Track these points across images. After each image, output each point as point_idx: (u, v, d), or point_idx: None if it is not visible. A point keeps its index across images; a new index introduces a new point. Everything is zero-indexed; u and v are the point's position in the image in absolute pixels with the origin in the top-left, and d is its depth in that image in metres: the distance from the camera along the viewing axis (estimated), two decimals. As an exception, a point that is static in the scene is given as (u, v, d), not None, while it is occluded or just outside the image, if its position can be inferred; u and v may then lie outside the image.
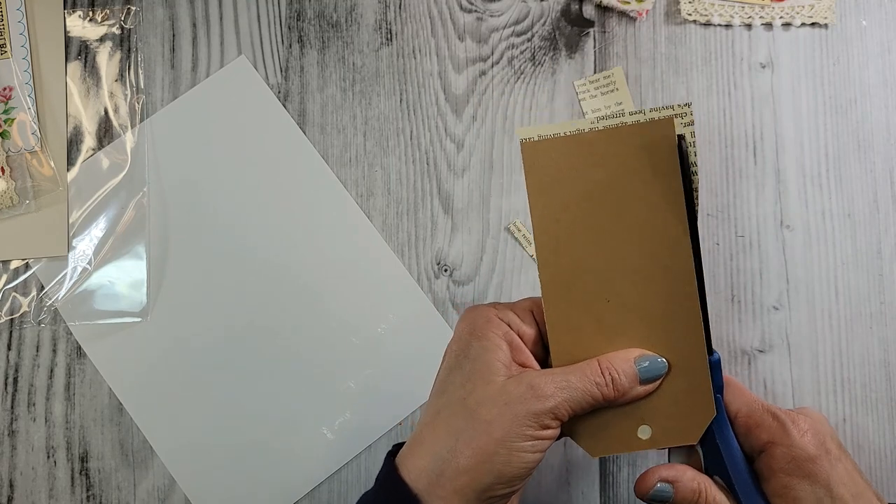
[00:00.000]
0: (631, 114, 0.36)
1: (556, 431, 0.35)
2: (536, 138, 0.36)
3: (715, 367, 0.37)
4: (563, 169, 0.36)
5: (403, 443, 0.38)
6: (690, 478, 0.37)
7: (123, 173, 0.51)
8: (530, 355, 0.37)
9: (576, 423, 0.37)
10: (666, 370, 0.36)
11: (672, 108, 0.36)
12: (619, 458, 0.49)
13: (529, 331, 0.37)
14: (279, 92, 0.52)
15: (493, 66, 0.52)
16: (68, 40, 0.52)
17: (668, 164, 0.36)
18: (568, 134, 0.36)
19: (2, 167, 0.50)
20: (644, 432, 0.37)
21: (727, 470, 0.37)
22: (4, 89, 0.51)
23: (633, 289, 0.36)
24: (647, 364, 0.36)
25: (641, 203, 0.36)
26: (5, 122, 0.51)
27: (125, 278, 0.50)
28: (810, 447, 0.36)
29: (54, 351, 0.50)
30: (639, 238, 0.36)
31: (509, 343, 0.36)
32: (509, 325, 0.37)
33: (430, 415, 0.37)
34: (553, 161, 0.36)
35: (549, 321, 0.37)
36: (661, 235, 0.36)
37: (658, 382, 0.36)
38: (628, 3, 0.52)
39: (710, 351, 0.37)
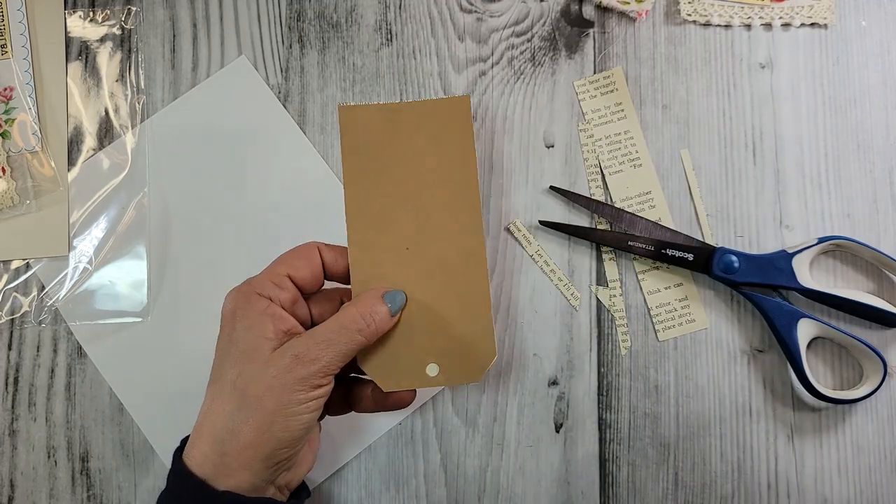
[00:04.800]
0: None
1: (330, 386, 0.38)
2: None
3: None
4: (374, 133, 0.43)
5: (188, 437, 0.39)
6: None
7: (124, 173, 0.51)
8: (294, 322, 0.39)
9: (368, 359, 0.41)
10: (405, 300, 0.41)
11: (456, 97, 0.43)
12: (618, 457, 0.49)
13: (288, 295, 0.40)
14: (279, 92, 0.52)
15: (492, 67, 0.52)
16: (69, 40, 0.52)
17: (462, 132, 0.43)
18: (381, 103, 0.43)
19: (2, 167, 0.50)
20: (432, 370, 0.41)
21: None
22: (5, 89, 0.51)
23: (430, 240, 0.42)
24: (392, 299, 0.40)
25: (440, 164, 0.42)
26: (6, 122, 0.51)
27: (126, 278, 0.50)
28: None
29: (55, 351, 0.50)
30: (436, 195, 0.42)
31: (272, 316, 0.38)
32: (270, 299, 0.39)
33: (207, 403, 0.39)
34: (365, 126, 0.43)
35: (353, 262, 0.41)
36: (456, 192, 0.42)
37: (400, 313, 0.41)
38: (628, 3, 0.52)
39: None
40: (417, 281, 0.41)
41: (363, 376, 0.43)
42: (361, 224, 0.42)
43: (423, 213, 0.42)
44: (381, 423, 0.50)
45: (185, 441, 0.40)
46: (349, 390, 0.43)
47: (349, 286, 0.42)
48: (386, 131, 0.43)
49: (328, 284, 0.43)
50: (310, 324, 0.41)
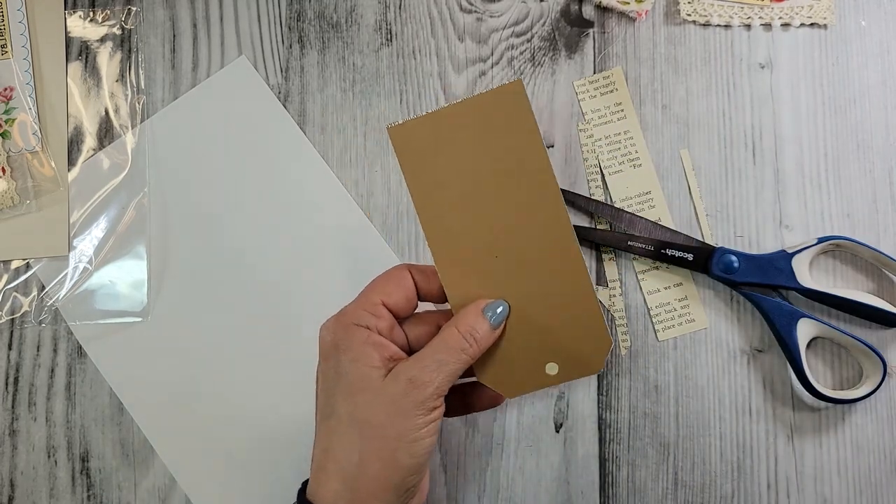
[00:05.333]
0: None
1: (443, 406, 0.38)
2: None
3: None
4: (430, 145, 0.39)
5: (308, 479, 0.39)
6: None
7: (124, 173, 0.51)
8: (396, 348, 0.39)
9: (485, 370, 0.39)
10: (507, 310, 0.39)
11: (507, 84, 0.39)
12: (618, 457, 0.49)
13: (385, 323, 0.39)
14: (279, 92, 0.52)
15: (492, 67, 0.52)
16: (69, 41, 0.52)
17: (523, 121, 0.38)
18: (428, 112, 0.39)
19: (3, 167, 0.50)
20: (552, 369, 0.39)
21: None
22: (5, 90, 0.51)
23: (517, 242, 0.39)
24: (493, 311, 0.39)
25: (507, 159, 0.38)
26: (6, 122, 0.51)
27: (126, 278, 0.50)
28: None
29: (55, 351, 0.50)
30: (512, 194, 0.39)
31: (374, 345, 0.38)
32: (367, 328, 0.38)
33: (324, 440, 0.38)
34: (419, 140, 0.39)
35: (445, 282, 0.39)
36: (531, 185, 0.38)
37: (504, 323, 0.39)
38: (628, 3, 0.52)
39: None
40: (515, 285, 0.39)
41: (471, 378, 0.41)
42: (443, 242, 0.39)
43: (503, 215, 0.39)
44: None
45: (305, 483, 0.39)
46: (462, 395, 0.43)
47: (443, 306, 0.41)
48: (441, 140, 0.39)
49: (423, 306, 0.42)
50: (408, 348, 0.40)
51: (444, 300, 0.40)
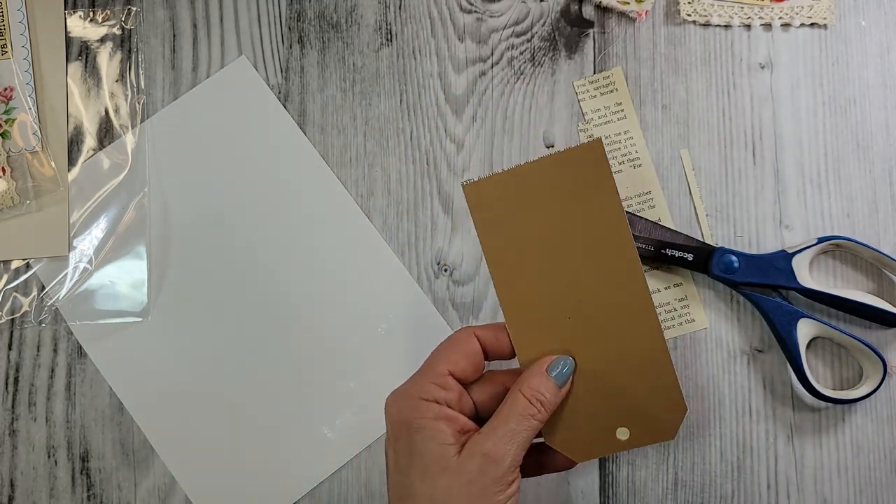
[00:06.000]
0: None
1: (519, 478, 0.37)
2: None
3: None
4: (505, 203, 0.38)
5: None
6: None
7: (124, 173, 0.51)
8: (465, 419, 0.38)
9: (554, 434, 0.39)
10: (572, 366, 0.38)
11: (587, 142, 0.38)
12: (618, 457, 0.49)
13: (453, 394, 0.38)
14: (279, 92, 0.52)
15: (492, 67, 0.52)
16: (69, 41, 0.52)
17: (602, 181, 0.37)
18: (504, 170, 0.38)
19: (2, 167, 0.50)
20: (623, 434, 0.38)
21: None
22: (5, 90, 0.51)
23: (591, 303, 0.38)
24: (557, 370, 0.38)
25: (584, 219, 0.38)
26: (6, 122, 0.51)
27: (126, 278, 0.50)
28: None
29: (55, 351, 0.50)
30: (588, 254, 0.38)
31: (445, 419, 0.37)
32: (436, 401, 0.37)
33: None
34: (495, 198, 0.38)
35: (516, 344, 0.39)
36: (607, 245, 0.38)
37: (570, 380, 0.38)
38: (628, 3, 0.52)
39: None
40: (587, 346, 0.38)
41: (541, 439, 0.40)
42: (515, 300, 0.39)
43: (577, 275, 0.38)
44: (382, 423, 0.49)
45: None
46: (535, 456, 0.41)
47: (512, 362, 0.40)
48: (516, 198, 0.38)
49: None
50: (475, 414, 0.39)
51: (514, 357, 0.39)
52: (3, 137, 0.50)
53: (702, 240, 0.50)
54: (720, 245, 0.50)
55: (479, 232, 0.38)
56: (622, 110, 0.51)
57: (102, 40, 0.52)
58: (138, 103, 0.52)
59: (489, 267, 0.39)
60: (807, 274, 0.49)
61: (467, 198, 0.38)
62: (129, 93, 0.52)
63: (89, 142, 0.52)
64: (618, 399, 0.38)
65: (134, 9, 0.53)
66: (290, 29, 0.53)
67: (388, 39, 0.53)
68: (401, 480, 0.37)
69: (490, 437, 0.36)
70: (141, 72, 0.52)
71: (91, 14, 0.52)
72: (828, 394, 0.47)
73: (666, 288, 0.50)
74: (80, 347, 0.50)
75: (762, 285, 0.48)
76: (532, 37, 0.52)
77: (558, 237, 0.38)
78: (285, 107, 0.52)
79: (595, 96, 0.52)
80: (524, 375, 0.38)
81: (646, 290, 0.38)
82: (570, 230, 0.38)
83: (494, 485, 0.35)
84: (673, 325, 0.50)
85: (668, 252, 0.49)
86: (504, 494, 0.35)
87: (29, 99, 0.51)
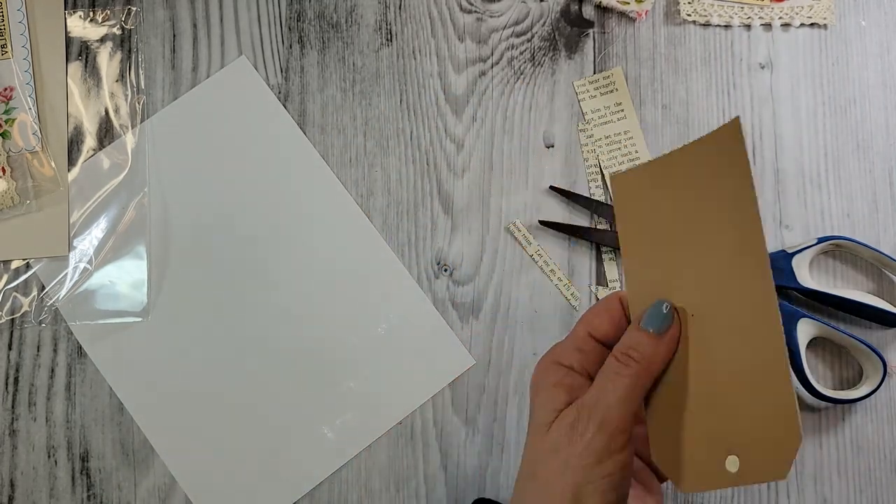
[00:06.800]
0: None
1: (622, 451, 0.32)
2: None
3: None
4: (647, 193, 0.36)
5: None
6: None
7: (124, 173, 0.51)
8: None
9: (664, 454, 0.34)
10: (668, 309, 0.34)
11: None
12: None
13: (592, 357, 0.35)
14: (279, 92, 0.52)
15: (492, 67, 0.52)
16: (69, 41, 0.52)
17: (736, 164, 0.34)
18: (649, 161, 0.36)
19: (3, 167, 0.50)
20: (732, 464, 0.33)
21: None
22: (5, 89, 0.51)
23: (716, 304, 0.34)
24: (649, 317, 0.33)
25: (718, 209, 0.34)
26: (6, 122, 0.51)
27: (126, 278, 0.50)
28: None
29: (55, 351, 0.50)
30: (718, 248, 0.34)
31: (567, 387, 0.34)
32: (571, 367, 0.34)
33: (516, 488, 0.34)
34: (640, 188, 0.36)
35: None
36: (739, 242, 0.34)
37: (670, 327, 0.33)
38: (628, 3, 0.52)
39: None
40: (706, 352, 0.34)
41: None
42: (642, 297, 0.35)
43: (705, 271, 0.34)
44: (382, 423, 0.50)
45: None
46: None
47: None
48: (659, 188, 0.36)
49: None
50: None
51: None
52: (3, 137, 0.50)
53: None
54: (720, 245, 0.50)
55: (619, 222, 0.37)
56: (622, 110, 0.51)
57: (102, 40, 0.52)
58: (138, 103, 0.52)
59: (624, 259, 0.36)
60: (807, 274, 0.49)
61: (615, 189, 0.37)
62: (129, 93, 0.52)
63: (89, 142, 0.52)
64: (731, 419, 0.33)
65: (134, 9, 0.53)
66: (290, 29, 0.53)
67: (388, 39, 0.53)
68: (526, 439, 0.35)
69: (577, 406, 0.33)
70: (141, 72, 0.52)
71: (91, 14, 0.52)
72: (828, 394, 0.47)
73: (666, 288, 0.50)
74: (80, 347, 0.50)
75: None
76: (532, 37, 0.52)
77: (691, 227, 0.35)
78: (285, 107, 0.52)
79: (595, 96, 0.52)
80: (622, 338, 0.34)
81: (772, 293, 0.32)
82: (703, 219, 0.34)
83: (582, 457, 0.31)
84: (673, 325, 0.50)
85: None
86: (595, 471, 0.31)
87: (29, 99, 0.51)
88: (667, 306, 0.33)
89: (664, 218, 0.36)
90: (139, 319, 0.50)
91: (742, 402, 0.33)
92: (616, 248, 0.50)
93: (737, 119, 0.33)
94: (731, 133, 0.33)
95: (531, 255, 0.50)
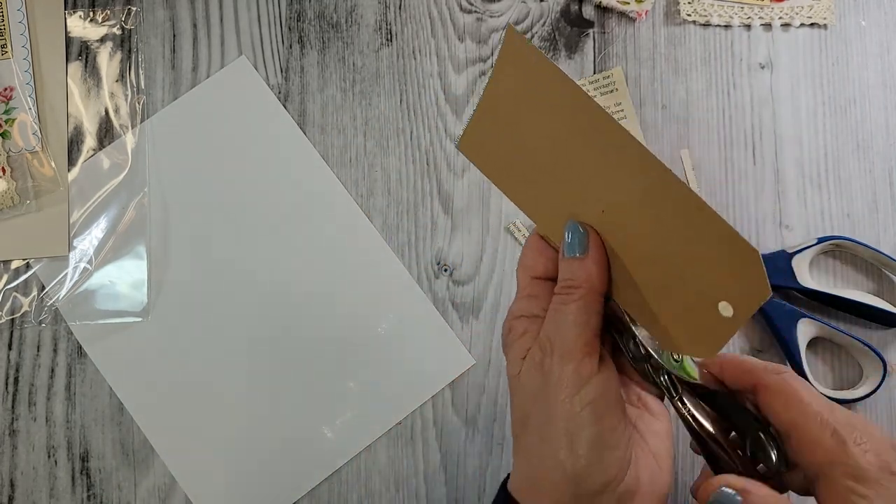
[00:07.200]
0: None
1: (594, 374, 0.31)
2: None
3: None
4: (490, 141, 0.36)
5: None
6: (765, 494, 0.30)
7: (124, 173, 0.51)
8: None
9: (670, 340, 0.34)
10: (579, 229, 0.33)
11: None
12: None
13: (544, 301, 0.34)
14: (279, 92, 0.52)
15: (492, 67, 0.52)
16: (69, 41, 0.52)
17: (540, 66, 0.34)
18: (473, 112, 0.36)
19: (3, 167, 0.50)
20: (726, 309, 0.33)
21: None
22: (5, 90, 0.51)
23: (614, 194, 0.34)
24: (566, 245, 0.33)
25: (552, 115, 0.34)
26: (6, 122, 0.51)
27: (126, 278, 0.50)
28: (872, 468, 0.30)
29: (55, 351, 0.50)
30: (584, 149, 0.34)
31: (533, 334, 0.34)
32: (528, 315, 0.34)
33: (516, 446, 0.34)
34: (480, 142, 0.36)
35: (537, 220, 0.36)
36: (598, 135, 0.33)
37: (588, 244, 0.33)
38: (628, 3, 0.52)
39: None
40: (638, 237, 0.34)
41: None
42: (552, 225, 0.35)
43: (586, 174, 0.34)
44: (381, 423, 0.50)
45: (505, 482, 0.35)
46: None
47: None
48: (498, 127, 0.36)
49: None
50: None
51: None
52: (3, 137, 0.50)
53: (702, 240, 0.50)
54: (720, 245, 0.50)
55: (487, 175, 0.37)
56: (622, 110, 0.51)
57: (102, 40, 0.52)
58: (138, 103, 0.52)
59: (514, 201, 0.36)
60: (807, 274, 0.49)
61: (469, 157, 0.37)
62: (129, 93, 0.52)
63: (89, 142, 0.52)
64: (697, 277, 0.33)
65: (134, 9, 0.53)
66: (290, 29, 0.53)
67: (388, 39, 0.53)
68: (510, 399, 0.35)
69: (538, 344, 0.32)
70: (141, 72, 0.52)
71: (91, 14, 0.52)
72: (828, 394, 0.47)
73: (666, 288, 0.50)
74: (80, 347, 0.50)
75: None
76: (532, 37, 0.52)
77: (548, 144, 0.35)
78: (285, 107, 0.52)
79: (595, 96, 0.52)
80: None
81: (660, 164, 0.33)
82: (553, 131, 0.35)
83: (558, 392, 0.30)
84: (673, 325, 0.50)
85: (668, 252, 0.49)
86: (578, 399, 0.30)
87: (29, 99, 0.51)
88: (577, 227, 0.33)
89: (520, 149, 0.36)
90: (139, 319, 0.50)
91: (694, 256, 0.33)
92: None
93: (509, 27, 0.34)
94: (511, 41, 0.34)
95: (531, 255, 0.50)
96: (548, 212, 0.36)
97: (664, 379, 0.35)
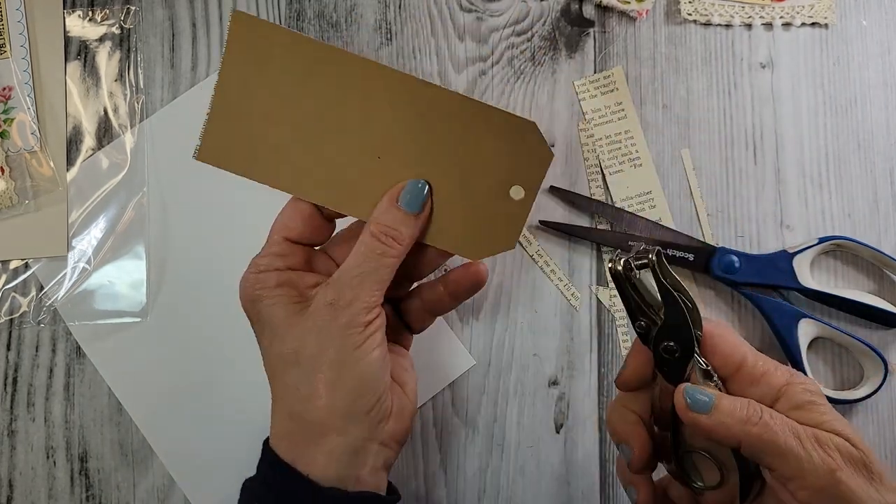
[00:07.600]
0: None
1: (381, 316, 0.35)
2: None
3: None
4: (242, 143, 0.38)
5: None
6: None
7: (123, 173, 0.51)
8: (317, 276, 0.37)
9: (475, 245, 0.36)
10: (426, 187, 0.35)
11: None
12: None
13: (296, 258, 0.37)
14: (279, 92, 0.52)
15: (493, 66, 0.52)
16: (68, 40, 0.52)
17: (284, 46, 0.36)
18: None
19: (1, 167, 0.50)
20: (517, 192, 0.35)
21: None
22: (4, 89, 0.51)
23: (386, 129, 0.36)
24: (408, 196, 0.35)
25: (322, 76, 0.35)
26: (5, 121, 0.50)
27: (125, 278, 0.50)
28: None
29: (54, 351, 0.50)
30: (344, 93, 0.36)
31: (288, 283, 0.36)
32: (278, 269, 0.36)
33: (273, 394, 0.36)
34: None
35: (339, 205, 0.37)
36: (361, 87, 0.35)
37: (429, 202, 0.35)
38: (628, 2, 0.52)
39: None
40: (421, 164, 0.35)
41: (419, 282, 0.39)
42: (315, 183, 0.37)
43: (353, 122, 0.36)
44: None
45: (266, 441, 0.37)
46: (422, 298, 0.40)
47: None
48: (243, 118, 0.38)
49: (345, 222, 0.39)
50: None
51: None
52: (1, 137, 0.50)
53: (703, 240, 0.50)
54: (721, 245, 0.50)
55: (239, 172, 0.38)
56: (622, 110, 0.51)
57: (101, 40, 0.52)
58: (137, 103, 0.52)
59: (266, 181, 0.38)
60: (808, 274, 0.49)
61: (209, 163, 0.38)
62: (128, 92, 0.52)
63: (88, 141, 0.51)
64: (485, 173, 0.35)
65: (133, 8, 0.52)
66: (289, 28, 0.52)
67: (388, 39, 0.52)
68: (266, 359, 0.37)
69: (335, 284, 0.35)
70: (140, 71, 0.52)
71: (90, 13, 0.52)
72: (829, 394, 0.47)
73: (666, 288, 0.50)
74: (79, 347, 0.50)
75: (763, 285, 0.48)
76: (532, 36, 0.52)
77: (300, 112, 0.36)
78: (285, 106, 0.52)
79: (595, 96, 0.52)
80: (374, 213, 0.35)
81: (421, 83, 0.35)
82: (301, 98, 0.36)
83: (345, 329, 0.34)
84: (673, 326, 0.49)
85: (669, 252, 0.49)
86: (360, 336, 0.34)
87: (28, 98, 0.51)
88: (424, 185, 0.35)
89: (273, 131, 0.37)
90: (138, 320, 0.50)
91: (475, 155, 0.35)
92: (616, 248, 0.50)
93: (235, 12, 0.35)
94: (238, 23, 0.35)
95: (531, 255, 0.50)
96: (320, 179, 0.36)
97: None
